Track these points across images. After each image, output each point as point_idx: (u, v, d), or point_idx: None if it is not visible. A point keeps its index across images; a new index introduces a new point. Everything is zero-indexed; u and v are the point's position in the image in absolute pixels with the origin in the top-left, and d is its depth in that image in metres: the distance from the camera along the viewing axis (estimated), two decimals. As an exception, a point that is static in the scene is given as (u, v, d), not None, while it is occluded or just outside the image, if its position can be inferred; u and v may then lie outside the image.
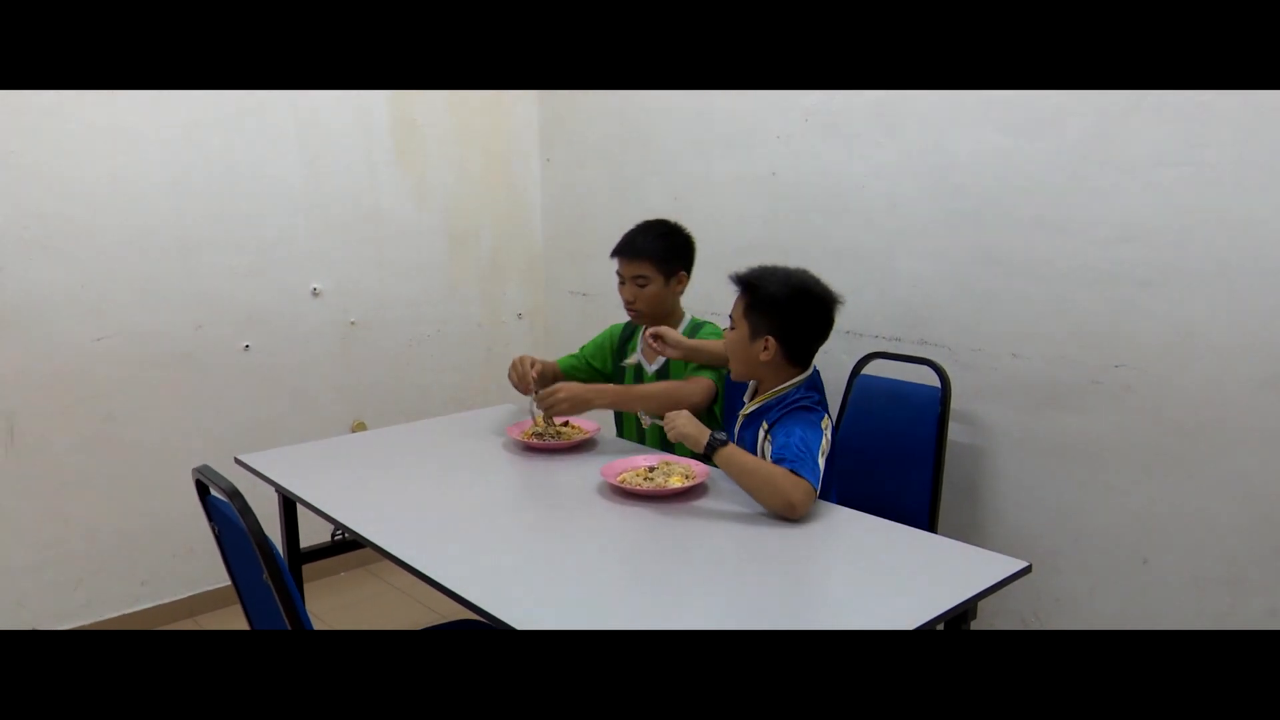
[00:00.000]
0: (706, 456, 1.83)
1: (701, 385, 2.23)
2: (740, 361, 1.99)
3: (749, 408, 2.02)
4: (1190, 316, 2.00)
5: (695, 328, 2.40)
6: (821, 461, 1.81)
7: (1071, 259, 2.16)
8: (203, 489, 1.53)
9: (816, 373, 2.03)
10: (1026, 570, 1.56)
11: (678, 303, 2.43)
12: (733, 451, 1.80)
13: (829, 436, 1.88)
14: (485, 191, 3.49)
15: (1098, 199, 2.10)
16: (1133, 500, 2.14)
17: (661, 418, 2.03)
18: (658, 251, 2.34)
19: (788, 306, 1.94)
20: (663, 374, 2.40)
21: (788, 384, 1.97)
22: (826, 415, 1.93)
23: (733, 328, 1.99)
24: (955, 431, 2.42)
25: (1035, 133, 2.18)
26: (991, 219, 2.29)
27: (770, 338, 1.93)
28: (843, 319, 2.10)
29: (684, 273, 2.39)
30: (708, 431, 1.83)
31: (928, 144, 2.39)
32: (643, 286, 2.34)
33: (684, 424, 1.87)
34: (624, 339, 2.54)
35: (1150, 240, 2.03)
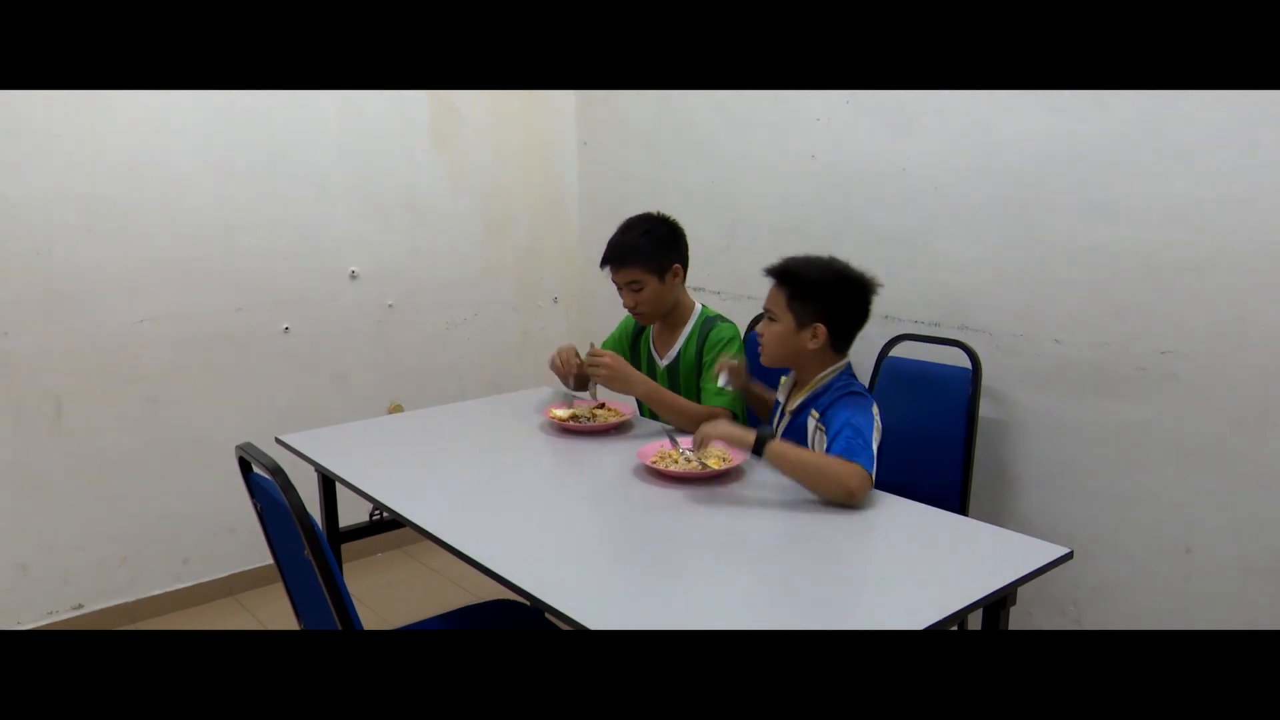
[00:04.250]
0: (756, 453, 1.78)
1: (725, 417, 2.17)
2: (785, 354, 1.97)
3: (794, 401, 2.00)
4: (1239, 302, 1.96)
5: (707, 322, 2.35)
6: (874, 447, 1.80)
7: (1118, 243, 2.12)
8: (245, 466, 1.55)
9: (848, 361, 2.01)
10: (1068, 556, 1.54)
11: (681, 295, 2.39)
12: (782, 446, 1.77)
13: (879, 423, 1.87)
14: (522, 176, 3.49)
15: (1145, 181, 2.06)
16: (1177, 489, 2.10)
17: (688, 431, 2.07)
18: (645, 251, 2.28)
19: (835, 293, 1.93)
20: (673, 369, 2.39)
21: (829, 371, 1.96)
22: (874, 401, 1.92)
23: (772, 320, 1.96)
24: (994, 416, 2.39)
25: (1082, 114, 2.14)
26: (1036, 202, 2.25)
27: (820, 325, 1.91)
28: (882, 303, 2.06)
29: (678, 265, 2.33)
30: (752, 430, 1.80)
31: (971, 126, 2.35)
32: (639, 291, 2.29)
33: (725, 428, 1.85)
34: (636, 332, 2.52)
35: (1200, 224, 1.99)
